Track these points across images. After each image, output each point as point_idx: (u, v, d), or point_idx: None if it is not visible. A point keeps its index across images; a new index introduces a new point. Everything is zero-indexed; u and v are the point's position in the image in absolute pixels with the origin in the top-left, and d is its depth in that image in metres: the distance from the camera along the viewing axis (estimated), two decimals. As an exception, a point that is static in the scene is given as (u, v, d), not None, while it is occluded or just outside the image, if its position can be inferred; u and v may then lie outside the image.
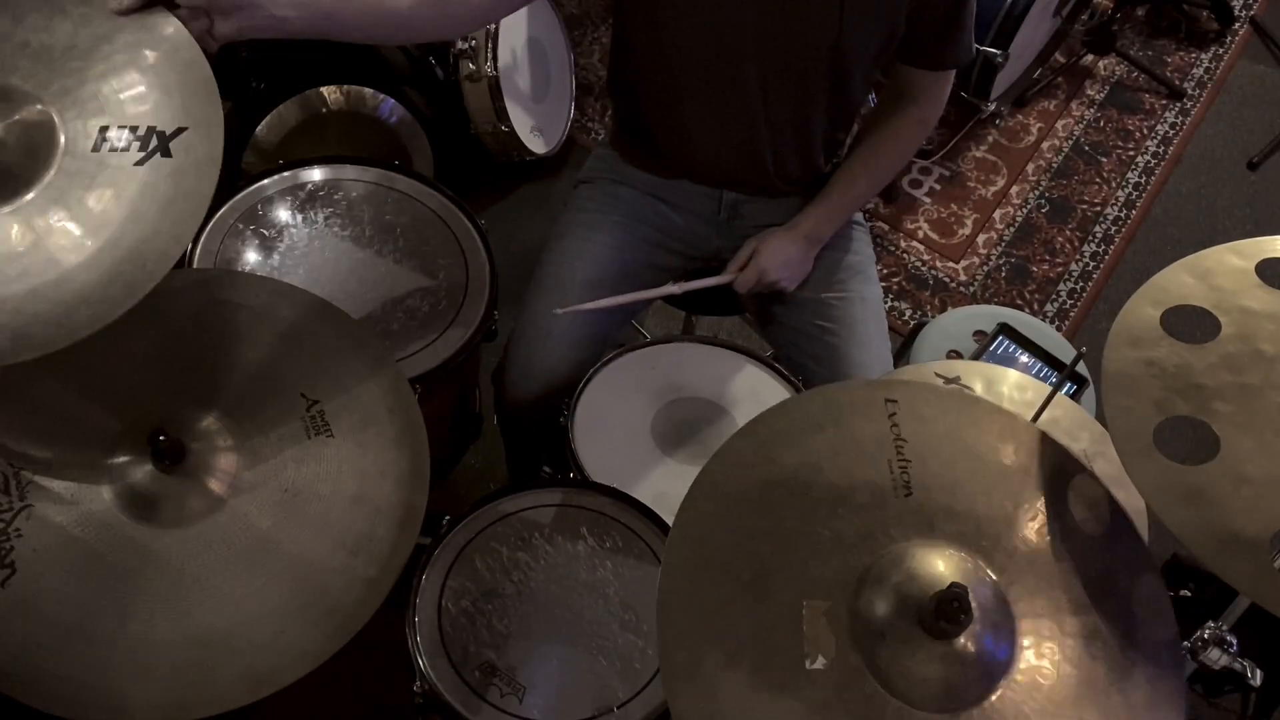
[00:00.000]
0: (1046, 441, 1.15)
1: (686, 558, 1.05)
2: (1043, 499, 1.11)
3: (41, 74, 1.15)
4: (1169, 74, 3.24)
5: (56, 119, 1.14)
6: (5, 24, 1.17)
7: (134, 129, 1.14)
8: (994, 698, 1.00)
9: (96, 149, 1.13)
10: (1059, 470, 1.14)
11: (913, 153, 1.85)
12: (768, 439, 1.12)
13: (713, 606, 1.02)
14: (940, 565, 1.04)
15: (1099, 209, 2.93)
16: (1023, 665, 1.02)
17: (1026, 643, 1.03)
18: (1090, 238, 2.86)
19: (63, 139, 1.14)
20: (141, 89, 1.16)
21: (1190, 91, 3.21)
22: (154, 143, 1.13)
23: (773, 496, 1.08)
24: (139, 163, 1.12)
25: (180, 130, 1.14)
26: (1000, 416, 1.18)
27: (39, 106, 1.14)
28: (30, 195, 1.12)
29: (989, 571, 1.06)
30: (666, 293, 1.72)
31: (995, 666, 1.01)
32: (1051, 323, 2.64)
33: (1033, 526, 1.10)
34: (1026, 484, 1.12)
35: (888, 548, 1.05)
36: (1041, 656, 1.03)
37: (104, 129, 1.14)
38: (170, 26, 1.19)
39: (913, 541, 1.06)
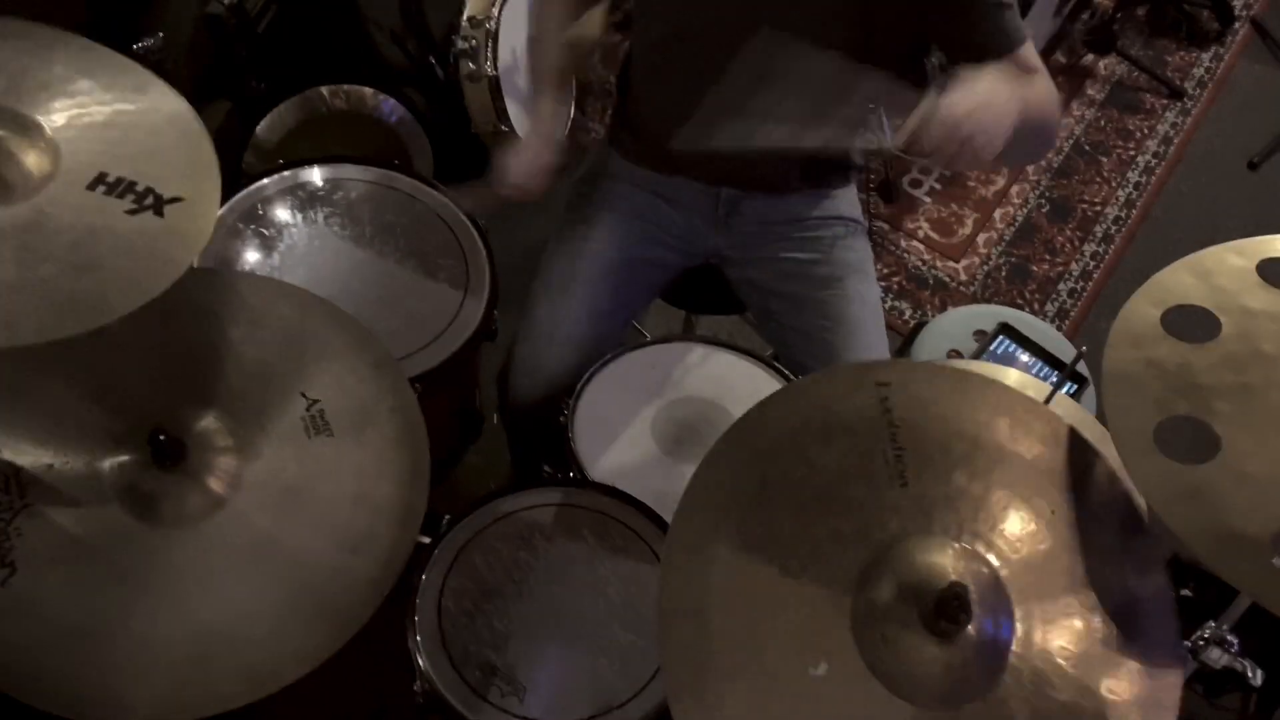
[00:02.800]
0: (1041, 415, 1.13)
1: (684, 563, 1.05)
2: (1043, 480, 1.10)
3: (56, 114, 1.18)
4: (1169, 74, 3.24)
5: (61, 149, 1.16)
6: (35, 65, 1.21)
7: (133, 183, 1.16)
8: (996, 691, 1.00)
9: (91, 187, 1.15)
10: (1056, 445, 1.12)
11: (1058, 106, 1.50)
12: (757, 439, 1.11)
13: (712, 608, 1.02)
14: (939, 560, 1.04)
15: (1099, 208, 2.92)
16: (1023, 656, 1.02)
17: (1026, 631, 1.02)
18: (1090, 237, 2.86)
19: (61, 167, 1.15)
20: (148, 154, 1.19)
21: (1191, 91, 3.21)
22: (150, 200, 1.15)
23: (766, 498, 1.08)
24: (131, 212, 1.14)
25: (177, 199, 1.16)
26: (995, 390, 1.16)
27: (47, 136, 1.16)
28: (15, 209, 1.12)
29: (989, 559, 1.04)
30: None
31: (996, 660, 1.01)
32: (1052, 322, 2.64)
33: (1032, 509, 1.08)
34: (1025, 466, 1.11)
35: (885, 543, 1.05)
36: (1042, 644, 1.02)
37: (103, 174, 1.16)
38: (180, 104, 1.23)
39: (910, 535, 1.05)
